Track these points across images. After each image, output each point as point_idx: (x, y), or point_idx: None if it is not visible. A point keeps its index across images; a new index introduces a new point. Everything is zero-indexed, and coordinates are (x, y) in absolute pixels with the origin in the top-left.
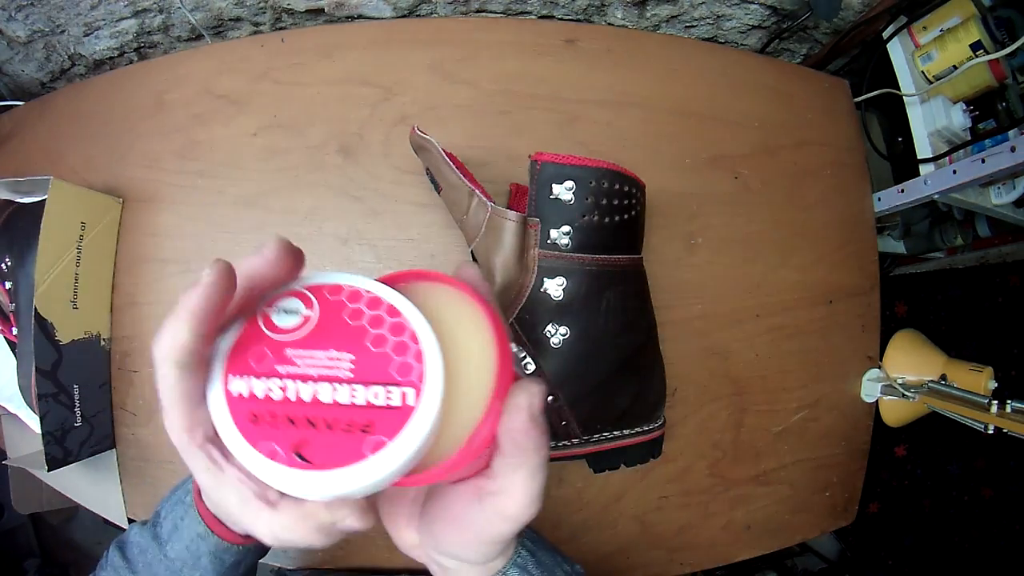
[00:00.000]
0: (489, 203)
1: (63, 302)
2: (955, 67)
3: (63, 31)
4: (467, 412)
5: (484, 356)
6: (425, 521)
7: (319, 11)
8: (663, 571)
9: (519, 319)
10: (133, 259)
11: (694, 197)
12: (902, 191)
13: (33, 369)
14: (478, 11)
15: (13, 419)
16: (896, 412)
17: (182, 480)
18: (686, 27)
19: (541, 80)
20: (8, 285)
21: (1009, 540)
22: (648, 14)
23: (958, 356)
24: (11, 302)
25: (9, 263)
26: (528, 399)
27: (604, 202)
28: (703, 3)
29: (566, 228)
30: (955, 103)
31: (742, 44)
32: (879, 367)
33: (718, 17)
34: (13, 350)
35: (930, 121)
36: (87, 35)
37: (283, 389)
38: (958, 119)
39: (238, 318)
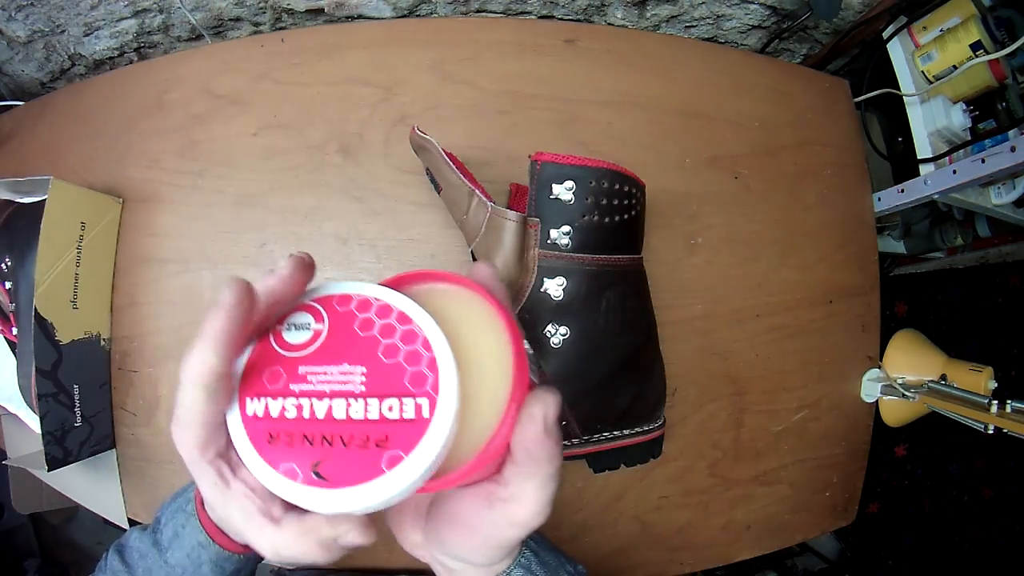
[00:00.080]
0: (489, 203)
1: (63, 302)
2: (955, 67)
3: (63, 31)
4: (482, 419)
5: (499, 361)
6: (431, 523)
7: (319, 11)
8: (663, 571)
9: (519, 319)
10: (133, 259)
11: (694, 197)
12: (902, 191)
13: (33, 369)
14: (478, 11)
15: (13, 419)
16: (896, 412)
17: (183, 487)
18: (686, 27)
19: (541, 80)
20: (8, 285)
21: (1009, 540)
22: (648, 14)
23: (958, 356)
24: (11, 302)
25: (9, 263)
26: (543, 410)
27: (604, 202)
28: (703, 3)
29: (566, 228)
30: (955, 103)
31: (742, 44)
32: (879, 367)
33: (718, 17)
34: (13, 350)
35: (930, 121)
36: (87, 35)
37: (298, 408)
38: (958, 119)
39: (251, 337)
